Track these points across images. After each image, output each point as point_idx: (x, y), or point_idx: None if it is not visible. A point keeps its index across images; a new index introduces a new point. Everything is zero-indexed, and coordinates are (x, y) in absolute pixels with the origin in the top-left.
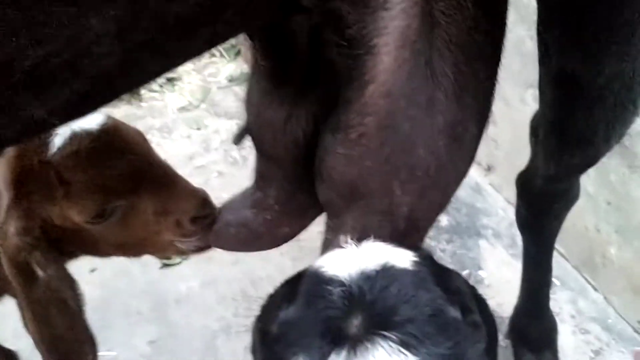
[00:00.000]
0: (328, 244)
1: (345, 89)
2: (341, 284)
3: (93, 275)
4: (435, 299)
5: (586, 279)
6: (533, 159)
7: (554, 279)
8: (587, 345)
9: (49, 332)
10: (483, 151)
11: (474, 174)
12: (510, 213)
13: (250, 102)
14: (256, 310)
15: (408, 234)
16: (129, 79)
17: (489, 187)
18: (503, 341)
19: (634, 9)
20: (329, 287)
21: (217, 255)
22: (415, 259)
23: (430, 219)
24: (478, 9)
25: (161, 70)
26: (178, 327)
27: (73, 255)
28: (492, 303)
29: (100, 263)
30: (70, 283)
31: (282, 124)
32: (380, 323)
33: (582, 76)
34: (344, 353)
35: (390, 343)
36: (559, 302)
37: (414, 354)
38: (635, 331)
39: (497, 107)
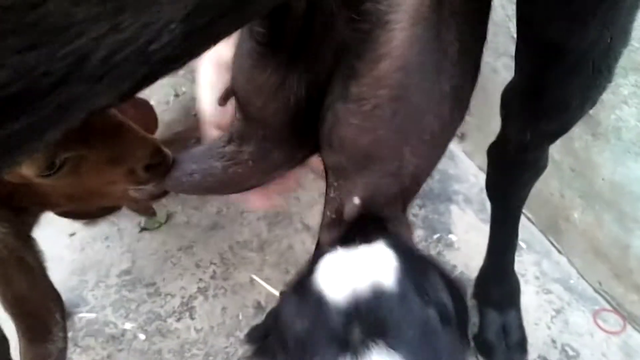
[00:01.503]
0: (334, 203)
1: (352, 61)
2: (340, 306)
3: (72, 239)
4: (416, 309)
5: (551, 242)
6: (504, 129)
7: (520, 242)
8: (550, 305)
9: (11, 292)
10: None
11: None
12: (481, 179)
13: (240, 67)
14: (234, 274)
15: (411, 188)
16: (181, 61)
17: (462, 154)
18: (470, 301)
19: None
20: (331, 311)
21: (195, 220)
22: (397, 264)
23: (429, 173)
24: None
25: (206, 50)
26: (156, 290)
27: (28, 211)
28: (461, 265)
29: (79, 227)
30: (28, 241)
31: (273, 90)
32: (375, 333)
33: (565, 45)
34: (348, 357)
35: (383, 346)
36: (525, 264)
37: (402, 354)
38: (596, 291)
39: None
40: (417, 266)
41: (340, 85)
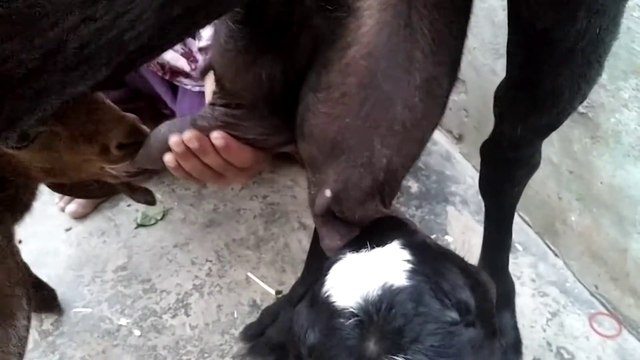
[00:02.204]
0: (313, 199)
1: (325, 50)
2: (351, 314)
3: (68, 234)
4: (434, 312)
5: (547, 245)
6: (497, 126)
7: (517, 244)
8: (545, 307)
9: None
10: (454, 120)
11: (445, 142)
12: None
13: (216, 40)
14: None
15: (387, 183)
16: (157, 50)
17: (459, 155)
18: None
19: None
20: (342, 320)
21: (191, 217)
22: (411, 265)
23: (406, 169)
24: None
25: (183, 39)
26: (152, 286)
27: (7, 189)
28: None
29: (76, 222)
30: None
31: (244, 66)
32: (391, 347)
33: (554, 34)
34: None
35: None
36: (521, 266)
37: None
38: (592, 295)
39: (468, 76)
40: (434, 265)
41: (314, 76)
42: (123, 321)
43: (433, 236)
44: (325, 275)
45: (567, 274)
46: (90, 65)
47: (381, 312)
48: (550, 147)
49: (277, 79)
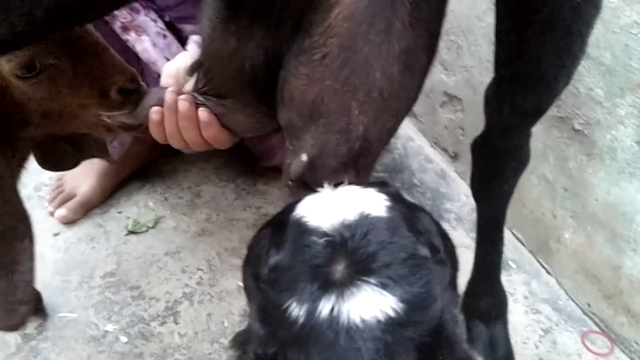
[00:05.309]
0: (288, 168)
1: (309, 16)
2: (324, 234)
3: (56, 239)
4: (408, 244)
5: (540, 263)
6: (487, 121)
7: (510, 262)
8: (538, 324)
9: None
10: (449, 139)
11: (440, 160)
12: (472, 199)
13: (202, 30)
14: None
15: (362, 155)
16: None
17: (454, 173)
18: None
19: None
20: (313, 238)
21: (183, 225)
22: (388, 203)
23: (382, 143)
24: None
25: (118, 5)
26: (141, 293)
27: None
28: None
29: (64, 228)
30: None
31: (229, 54)
32: (362, 270)
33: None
34: (332, 297)
35: (372, 287)
36: (514, 283)
37: (392, 294)
38: (585, 313)
39: (465, 94)
40: (410, 208)
41: (296, 43)
42: (110, 327)
43: None
44: (296, 205)
45: (559, 292)
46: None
47: (355, 236)
48: (546, 164)
49: (261, 65)
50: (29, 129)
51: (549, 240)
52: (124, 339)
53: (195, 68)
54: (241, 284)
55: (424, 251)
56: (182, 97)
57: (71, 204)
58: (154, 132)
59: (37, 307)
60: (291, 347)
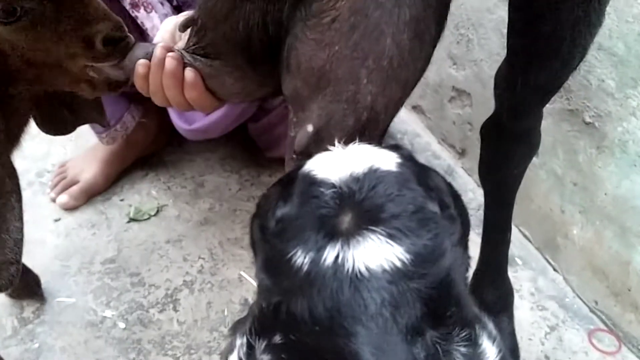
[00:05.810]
0: (292, 140)
1: None
2: (332, 185)
3: (57, 224)
4: (417, 197)
5: (547, 260)
6: (497, 103)
7: (516, 259)
8: (544, 321)
9: None
10: (457, 135)
11: (447, 157)
12: (479, 195)
13: None
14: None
15: (369, 126)
16: None
17: (461, 170)
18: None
19: None
20: (321, 189)
21: (186, 214)
22: (398, 160)
23: (389, 114)
24: None
25: None
26: (140, 280)
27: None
28: None
29: (65, 214)
30: None
31: (224, 13)
32: (368, 219)
33: None
34: (338, 245)
35: (379, 236)
36: (520, 280)
37: (399, 245)
38: (591, 310)
39: (474, 89)
40: (421, 166)
41: (303, 7)
42: (108, 313)
43: None
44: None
45: (566, 289)
46: None
47: (364, 188)
48: (555, 158)
49: (257, 29)
50: (19, 84)
51: (556, 236)
52: (121, 325)
53: (187, 24)
54: (243, 273)
55: (434, 206)
56: (170, 54)
57: (73, 190)
58: (139, 85)
59: (34, 291)
60: (294, 295)
